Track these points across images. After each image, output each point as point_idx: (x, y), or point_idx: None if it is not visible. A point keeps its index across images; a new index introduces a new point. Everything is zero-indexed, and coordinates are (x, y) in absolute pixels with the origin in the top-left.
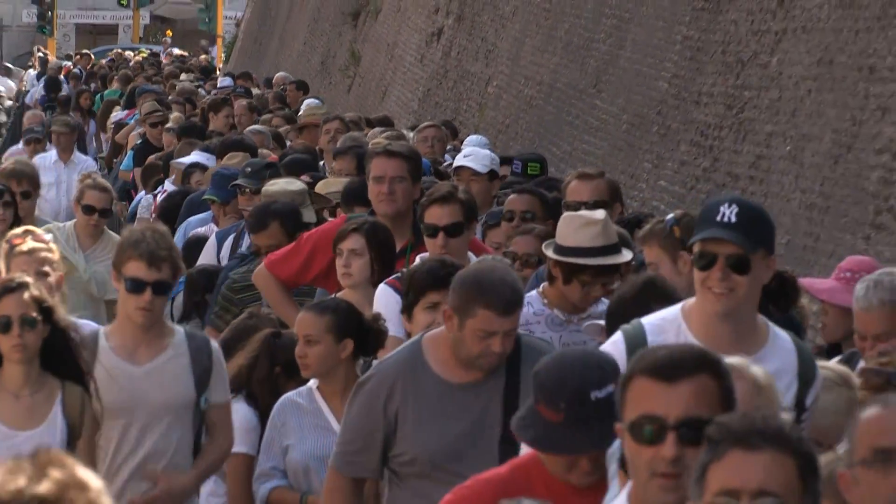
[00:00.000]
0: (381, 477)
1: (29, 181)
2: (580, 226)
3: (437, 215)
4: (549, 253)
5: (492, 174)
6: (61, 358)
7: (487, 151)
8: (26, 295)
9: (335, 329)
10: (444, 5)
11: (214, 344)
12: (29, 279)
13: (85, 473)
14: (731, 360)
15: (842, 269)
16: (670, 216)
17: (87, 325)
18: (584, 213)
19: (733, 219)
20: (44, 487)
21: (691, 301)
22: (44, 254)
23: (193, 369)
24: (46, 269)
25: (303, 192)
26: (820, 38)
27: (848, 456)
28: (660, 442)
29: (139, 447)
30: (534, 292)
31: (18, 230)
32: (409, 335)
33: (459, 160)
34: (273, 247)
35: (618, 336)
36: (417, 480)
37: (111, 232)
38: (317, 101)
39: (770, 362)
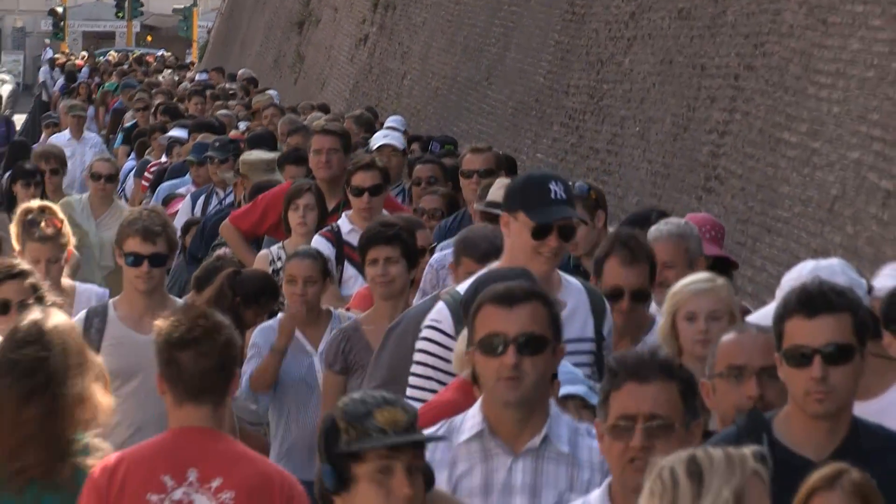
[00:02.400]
0: None
1: (56, 160)
2: (497, 187)
3: (361, 179)
4: (478, 206)
5: (404, 152)
6: None
7: (399, 133)
8: (27, 283)
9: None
10: (369, 17)
11: None
12: (29, 268)
13: (222, 318)
14: None
15: None
16: (579, 183)
17: (90, 288)
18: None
19: (563, 195)
20: (195, 333)
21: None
22: (58, 240)
23: None
24: (59, 255)
25: (273, 160)
26: (662, 43)
27: (710, 369)
28: (503, 354)
29: (143, 406)
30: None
31: (34, 204)
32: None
33: (379, 140)
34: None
35: (440, 305)
36: None
37: (121, 202)
38: (273, 92)
39: (568, 301)
